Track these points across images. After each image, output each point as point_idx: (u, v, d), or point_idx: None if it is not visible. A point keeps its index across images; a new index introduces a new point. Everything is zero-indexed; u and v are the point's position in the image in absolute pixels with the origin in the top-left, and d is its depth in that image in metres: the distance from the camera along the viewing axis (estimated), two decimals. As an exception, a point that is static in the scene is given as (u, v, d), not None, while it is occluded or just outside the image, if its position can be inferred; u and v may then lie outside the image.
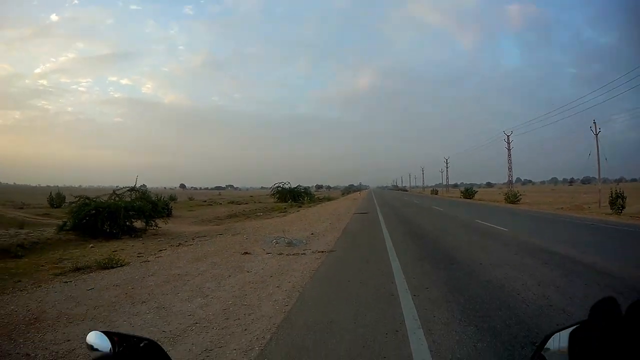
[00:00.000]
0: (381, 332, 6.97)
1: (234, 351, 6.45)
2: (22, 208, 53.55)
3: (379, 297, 9.33)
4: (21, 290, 10.94)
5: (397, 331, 6.95)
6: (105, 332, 1.80)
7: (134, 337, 1.93)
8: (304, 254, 15.64)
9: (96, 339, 1.79)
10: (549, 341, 1.89)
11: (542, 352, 1.89)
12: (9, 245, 19.25)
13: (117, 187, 30.84)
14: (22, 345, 6.86)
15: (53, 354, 6.51)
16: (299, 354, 6.24)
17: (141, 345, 1.91)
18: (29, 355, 6.48)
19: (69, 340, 7.06)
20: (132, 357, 1.85)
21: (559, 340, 1.86)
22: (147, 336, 7.36)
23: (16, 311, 8.90)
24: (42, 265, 14.77)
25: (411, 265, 12.72)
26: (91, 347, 1.80)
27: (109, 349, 1.76)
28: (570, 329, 1.83)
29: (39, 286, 11.42)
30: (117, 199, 27.84)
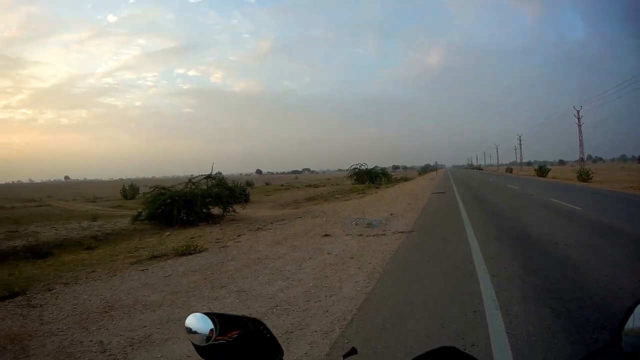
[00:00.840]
0: (460, 312, 6.96)
1: (315, 333, 6.49)
2: (94, 202, 55.49)
3: (457, 277, 9.33)
4: (95, 280, 11.08)
5: (475, 312, 6.93)
6: (206, 314, 1.72)
7: (237, 316, 1.89)
8: (384, 234, 15.56)
9: (196, 321, 1.71)
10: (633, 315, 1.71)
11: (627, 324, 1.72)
12: (81, 237, 19.98)
13: (192, 175, 31.07)
14: (95, 333, 6.89)
15: (128, 340, 6.52)
16: (380, 335, 6.25)
17: (244, 324, 1.84)
18: (102, 342, 6.48)
19: (145, 327, 7.09)
20: (237, 335, 1.78)
21: None
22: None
23: (90, 300, 9.01)
24: (117, 255, 15.09)
25: (488, 245, 12.59)
26: (190, 330, 1.71)
27: (209, 330, 1.67)
28: None
29: (114, 275, 11.57)
30: (193, 187, 28.30)
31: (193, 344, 1.70)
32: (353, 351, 2.06)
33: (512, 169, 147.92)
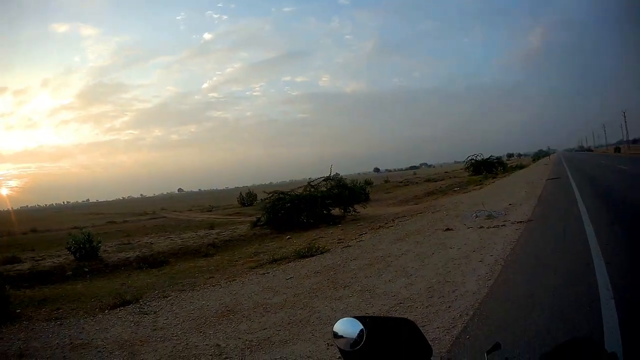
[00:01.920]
0: (577, 304, 6.79)
1: (437, 329, 6.44)
2: (210, 211, 57.12)
3: (575, 266, 9.06)
4: (213, 286, 11.34)
5: (592, 302, 6.70)
6: (357, 317, 1.73)
7: (386, 318, 2.11)
8: (504, 225, 15.31)
9: (344, 325, 1.73)
10: None
11: None
12: (198, 246, 20.65)
13: (310, 179, 32.14)
14: (211, 337, 6.99)
15: (246, 342, 6.56)
16: (500, 329, 6.31)
17: (393, 325, 1.90)
18: (219, 345, 6.55)
19: (264, 329, 7.12)
20: (386, 338, 1.79)
21: None
22: (351, 315, 7.12)
23: (207, 305, 9.19)
24: (236, 261, 15.38)
25: (606, 232, 11.96)
26: (336, 335, 1.73)
27: (357, 334, 1.68)
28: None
29: (233, 280, 11.79)
30: (312, 189, 28.78)
31: (340, 349, 1.69)
32: (497, 346, 2.08)
33: (620, 148, 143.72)
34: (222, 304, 9.13)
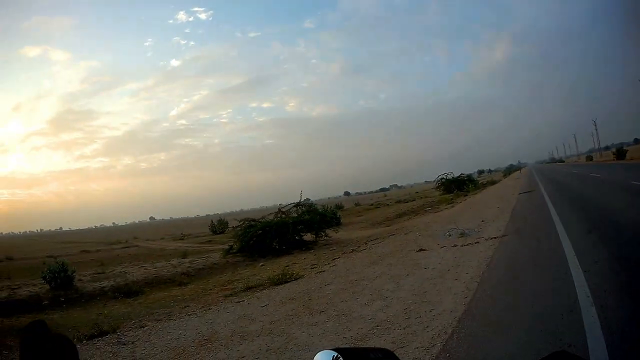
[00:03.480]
0: (557, 313, 6.89)
1: (416, 349, 6.50)
2: (182, 239, 56.86)
3: (552, 278, 9.19)
4: (189, 315, 11.33)
5: (571, 311, 6.83)
6: (335, 349, 1.80)
7: (364, 349, 2.21)
8: (478, 242, 15.46)
9: (324, 358, 1.79)
10: None
11: None
12: (171, 275, 20.71)
13: (280, 204, 32.58)
14: (190, 366, 6.91)
15: None
16: (481, 345, 6.40)
17: (373, 357, 1.94)
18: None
19: (243, 357, 7.18)
20: None
21: None
22: (329, 345, 7.14)
23: (184, 335, 9.20)
24: (210, 289, 15.43)
25: (581, 242, 12.08)
26: None
27: None
28: None
29: (209, 309, 11.79)
30: (283, 216, 28.84)
31: None
32: None
33: (592, 157, 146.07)
34: (199, 333, 9.15)
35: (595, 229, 13.63)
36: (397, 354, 1.88)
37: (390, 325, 7.71)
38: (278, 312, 10.10)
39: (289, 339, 7.84)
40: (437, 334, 6.95)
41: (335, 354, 1.74)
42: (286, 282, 14.01)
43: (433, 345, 6.48)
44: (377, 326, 7.79)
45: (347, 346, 1.68)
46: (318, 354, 1.77)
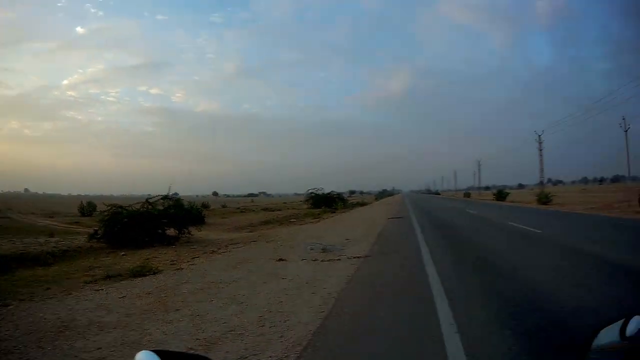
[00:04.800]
0: (418, 337, 7.04)
1: (269, 358, 6.45)
2: (52, 217, 54.92)
3: (414, 302, 9.38)
4: (50, 298, 10.93)
5: (432, 336, 6.96)
6: (156, 351, 1.72)
7: (188, 354, 2.11)
8: (339, 259, 15.62)
9: (145, 358, 1.70)
10: (598, 336, 2.01)
11: (593, 348, 2.01)
12: (38, 253, 19.75)
13: (149, 195, 31.51)
14: (50, 353, 6.82)
15: None
16: None
17: None
18: (57, 363, 6.35)
19: (99, 349, 7.02)
20: None
21: (609, 336, 1.96)
22: (182, 345, 7.19)
23: (45, 318, 8.88)
24: (73, 273, 14.84)
25: (447, 270, 12.69)
26: None
27: None
28: (620, 322, 1.93)
29: (69, 294, 11.41)
30: (150, 207, 27.97)
31: None
32: None
33: (469, 194, 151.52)
34: (58, 318, 8.85)
35: (462, 262, 14.23)
36: None
37: (244, 331, 7.72)
38: (135, 305, 9.96)
39: (144, 334, 7.78)
40: (291, 344, 6.94)
41: (156, 356, 1.69)
42: (145, 275, 13.78)
43: (287, 356, 6.49)
44: (231, 331, 7.80)
45: (167, 349, 1.67)
46: (140, 352, 1.71)
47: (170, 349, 1.81)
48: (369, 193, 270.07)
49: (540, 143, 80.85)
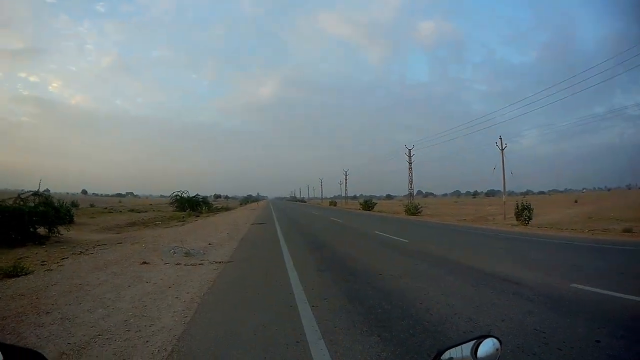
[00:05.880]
0: (282, 343, 7.26)
1: None
2: None
3: (278, 308, 9.69)
4: None
5: (297, 342, 7.28)
6: None
7: (20, 347, 1.99)
8: (202, 264, 16.05)
9: None
10: (446, 353, 2.15)
11: None
12: None
13: (22, 190, 30.38)
14: None
15: None
16: None
17: (19, 356, 1.95)
18: None
19: None
20: None
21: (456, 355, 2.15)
22: (55, 349, 7.40)
23: None
24: None
25: (310, 277, 13.31)
26: None
27: None
28: (471, 343, 2.19)
29: None
30: (21, 203, 27.21)
31: None
32: None
33: (336, 202, 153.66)
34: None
35: (325, 269, 14.63)
36: None
37: (111, 336, 7.89)
38: (9, 308, 9.90)
39: (20, 337, 7.87)
40: (157, 349, 7.10)
41: None
42: (17, 275, 13.68)
43: None
44: (99, 335, 7.96)
45: (5, 342, 1.83)
46: None
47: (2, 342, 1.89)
48: (234, 198, 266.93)
49: (410, 156, 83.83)
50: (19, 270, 14.07)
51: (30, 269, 14.79)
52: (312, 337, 7.48)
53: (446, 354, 2.14)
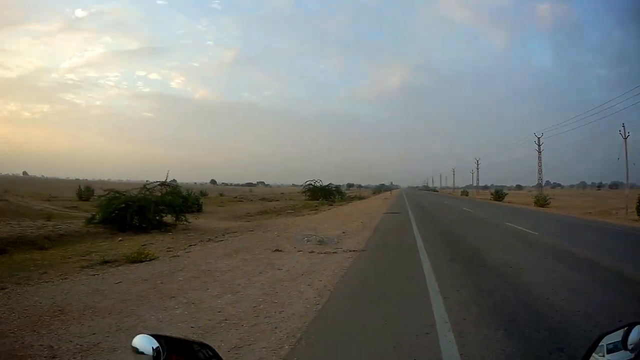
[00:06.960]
0: (411, 332, 7.00)
1: (264, 349, 6.37)
2: (49, 200, 54.14)
3: (410, 297, 9.39)
4: (47, 282, 10.83)
5: (427, 333, 6.93)
6: (153, 335, 1.77)
7: (186, 340, 2.02)
8: (336, 252, 15.52)
9: (143, 342, 1.76)
10: (601, 342, 1.99)
11: (594, 354, 2.00)
12: (35, 236, 19.47)
13: (147, 181, 30.74)
14: (45, 337, 6.76)
15: (77, 346, 6.39)
16: (329, 353, 6.38)
17: (192, 349, 1.91)
18: (52, 347, 6.35)
19: (94, 334, 6.95)
20: None
21: (612, 341, 1.97)
22: (177, 332, 7.11)
23: (40, 303, 8.81)
24: (69, 257, 14.70)
25: (441, 267, 12.70)
26: (136, 350, 1.76)
27: (155, 352, 1.73)
28: (622, 330, 1.96)
29: (65, 278, 11.31)
30: (147, 193, 27.83)
31: None
32: None
33: (467, 192, 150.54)
34: (54, 303, 8.79)
35: (457, 259, 14.03)
36: (243, 349, 1.97)
37: (238, 321, 7.66)
38: (130, 291, 9.88)
39: (139, 320, 7.72)
40: (285, 336, 6.88)
41: (154, 340, 1.76)
42: (141, 261, 13.70)
43: (281, 347, 6.40)
44: (226, 320, 7.73)
45: (165, 334, 1.62)
46: (138, 336, 1.77)
47: (167, 334, 1.82)
48: (367, 187, 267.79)
49: (539, 145, 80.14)
50: (143, 256, 14.13)
51: (155, 255, 14.87)
52: (441, 328, 7.17)
53: (598, 348, 2.01)
